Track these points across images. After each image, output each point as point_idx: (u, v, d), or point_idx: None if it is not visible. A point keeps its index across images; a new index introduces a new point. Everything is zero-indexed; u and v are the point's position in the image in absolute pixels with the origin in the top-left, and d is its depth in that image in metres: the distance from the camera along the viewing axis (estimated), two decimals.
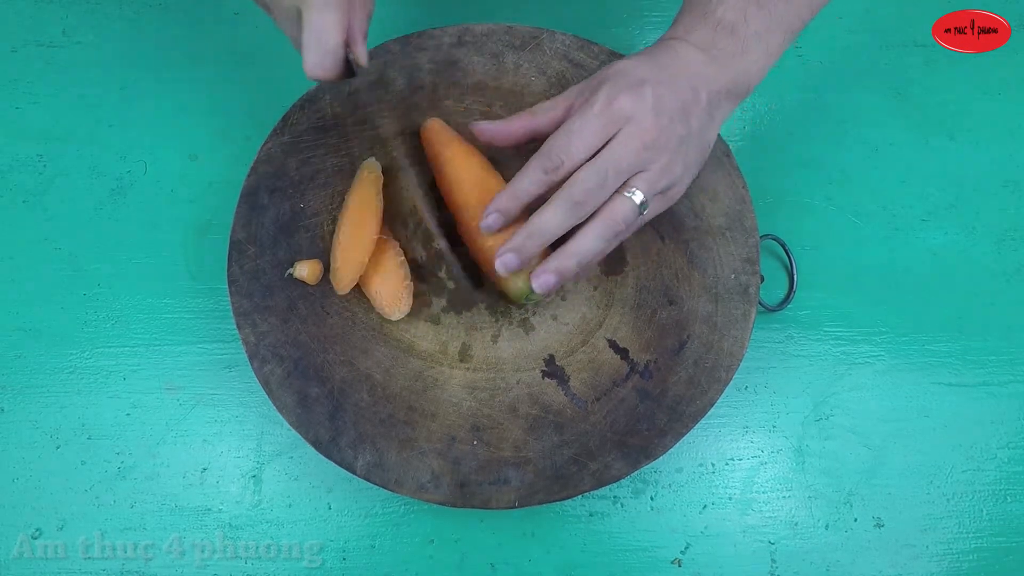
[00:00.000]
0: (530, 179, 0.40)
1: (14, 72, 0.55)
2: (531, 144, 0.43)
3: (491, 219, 0.41)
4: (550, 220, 0.39)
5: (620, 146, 0.39)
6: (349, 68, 0.40)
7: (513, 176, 0.41)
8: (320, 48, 0.37)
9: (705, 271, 0.47)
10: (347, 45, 0.38)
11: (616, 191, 0.39)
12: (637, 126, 0.39)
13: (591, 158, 0.39)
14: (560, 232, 0.40)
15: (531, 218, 0.40)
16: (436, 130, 0.47)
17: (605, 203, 0.39)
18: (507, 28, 0.52)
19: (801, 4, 0.42)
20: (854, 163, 0.55)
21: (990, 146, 0.56)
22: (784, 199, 0.54)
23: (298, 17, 0.38)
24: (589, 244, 0.40)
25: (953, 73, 0.57)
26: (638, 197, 0.39)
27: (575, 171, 0.39)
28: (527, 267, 0.41)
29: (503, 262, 0.40)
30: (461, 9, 0.58)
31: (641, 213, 0.40)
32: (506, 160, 0.48)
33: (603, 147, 0.39)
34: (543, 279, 0.40)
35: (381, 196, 0.46)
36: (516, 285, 0.43)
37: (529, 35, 0.51)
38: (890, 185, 0.55)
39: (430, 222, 0.45)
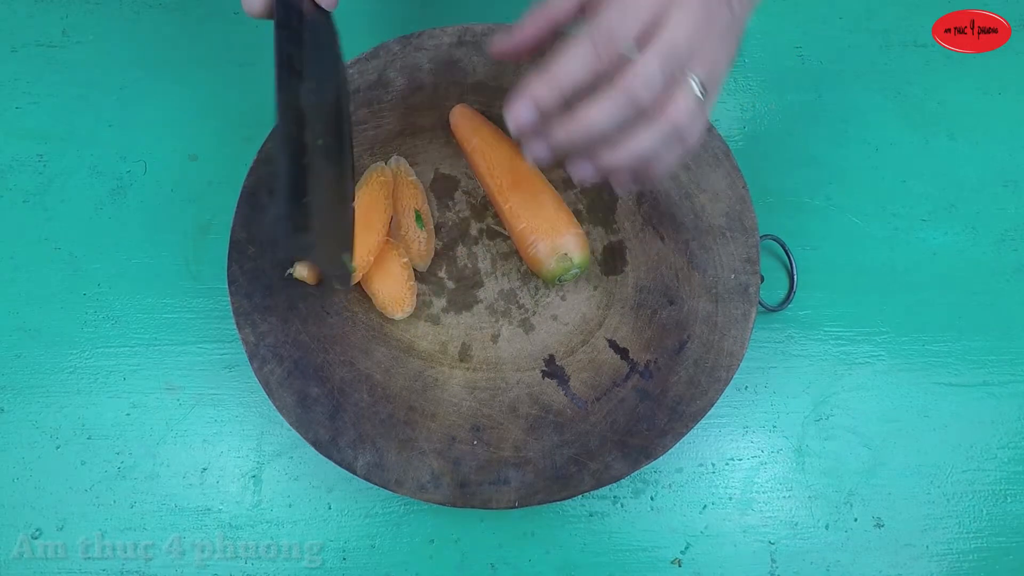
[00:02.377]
0: (577, 59, 0.32)
1: (14, 72, 0.55)
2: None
3: (522, 110, 0.33)
4: (600, 116, 0.32)
5: (678, 27, 0.32)
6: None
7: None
8: None
9: (705, 271, 0.47)
10: None
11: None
12: (688, 5, 0.32)
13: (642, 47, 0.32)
14: (608, 132, 0.33)
15: (578, 108, 0.33)
16: (466, 116, 0.48)
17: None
18: (507, 28, 0.51)
19: None
20: (854, 163, 0.55)
21: (990, 146, 0.55)
22: (784, 199, 0.54)
23: None
24: (647, 143, 0.33)
25: (953, 73, 0.57)
26: (696, 85, 0.33)
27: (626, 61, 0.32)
28: (555, 158, 0.36)
29: (530, 150, 0.35)
30: (461, 9, 0.58)
31: (700, 101, 0.33)
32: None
33: (654, 31, 0.32)
34: (582, 167, 0.35)
35: (391, 201, 0.46)
36: (549, 266, 0.44)
37: None
38: (890, 185, 0.55)
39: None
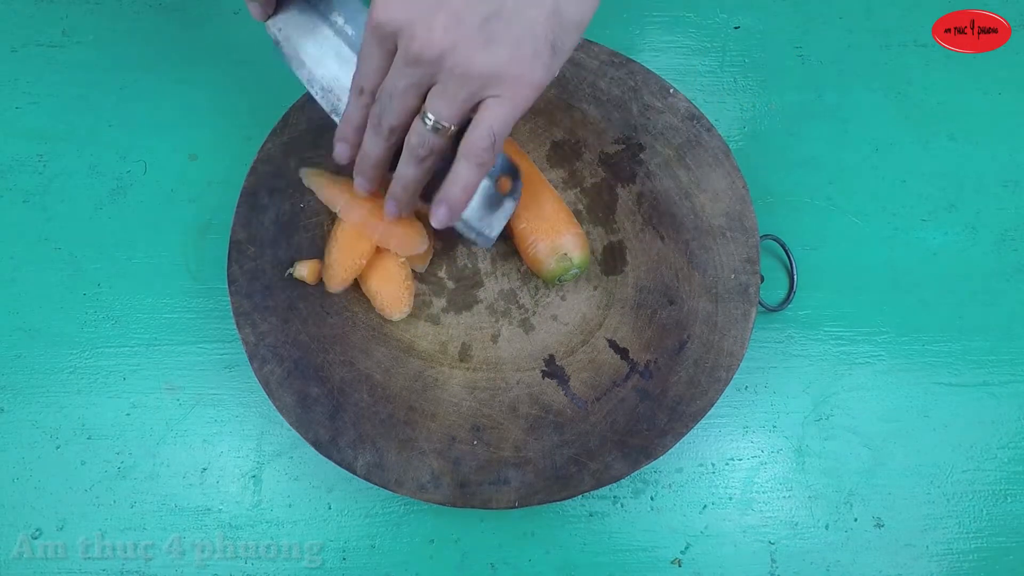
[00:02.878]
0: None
1: (14, 72, 0.55)
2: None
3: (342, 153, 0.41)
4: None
5: (390, 78, 0.35)
6: None
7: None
8: None
9: (705, 271, 0.47)
10: None
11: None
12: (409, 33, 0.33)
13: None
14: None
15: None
16: None
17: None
18: None
19: None
20: (854, 163, 0.55)
21: (990, 146, 0.56)
22: (784, 199, 0.54)
23: None
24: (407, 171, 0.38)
25: (953, 73, 0.57)
26: (429, 120, 0.35)
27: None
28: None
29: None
30: None
31: (436, 130, 0.35)
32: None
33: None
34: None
35: None
36: (549, 266, 0.45)
37: None
38: (890, 185, 0.55)
39: None
